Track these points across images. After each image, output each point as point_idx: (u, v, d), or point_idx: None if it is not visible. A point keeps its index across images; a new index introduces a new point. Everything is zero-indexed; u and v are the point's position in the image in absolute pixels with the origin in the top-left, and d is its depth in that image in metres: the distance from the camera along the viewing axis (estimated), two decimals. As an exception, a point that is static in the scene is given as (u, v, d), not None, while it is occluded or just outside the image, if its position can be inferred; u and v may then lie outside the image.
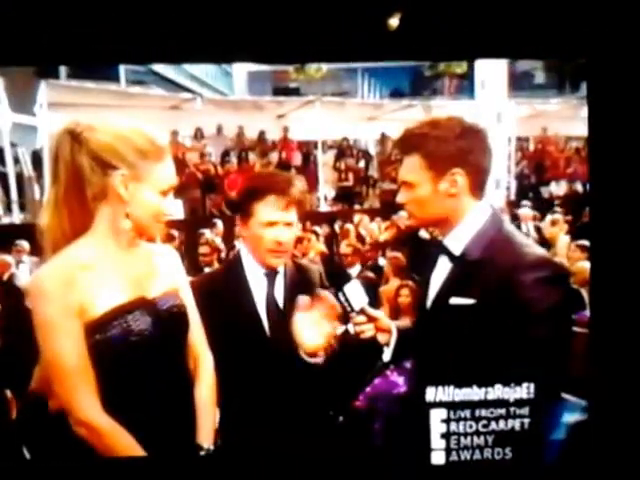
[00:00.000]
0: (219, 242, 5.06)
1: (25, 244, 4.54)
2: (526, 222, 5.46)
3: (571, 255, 3.79)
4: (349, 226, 5.79)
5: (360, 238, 5.27)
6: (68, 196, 1.10)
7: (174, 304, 1.17)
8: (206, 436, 1.19)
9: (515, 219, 5.49)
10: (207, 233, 5.36)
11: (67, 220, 1.11)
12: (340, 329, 1.36)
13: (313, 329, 1.31)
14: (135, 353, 1.09)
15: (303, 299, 1.37)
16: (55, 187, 1.11)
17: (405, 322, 1.41)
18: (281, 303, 1.43)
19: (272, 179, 1.43)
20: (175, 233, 4.71)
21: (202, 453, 1.17)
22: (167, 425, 1.14)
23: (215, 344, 1.27)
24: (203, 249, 4.60)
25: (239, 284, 1.43)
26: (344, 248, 4.45)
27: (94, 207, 1.11)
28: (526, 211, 5.82)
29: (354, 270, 4.18)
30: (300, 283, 1.45)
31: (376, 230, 5.71)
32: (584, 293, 2.95)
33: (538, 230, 5.37)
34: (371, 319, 1.29)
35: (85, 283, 1.07)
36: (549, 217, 5.58)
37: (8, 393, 2.19)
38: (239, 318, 1.39)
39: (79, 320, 1.06)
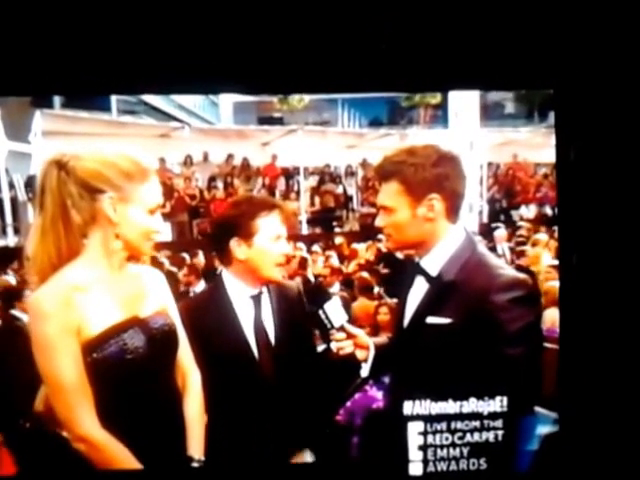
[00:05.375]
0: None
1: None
2: (500, 243, 5.53)
3: (545, 275, 3.81)
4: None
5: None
6: (54, 225, 1.13)
7: (165, 323, 1.21)
8: (196, 448, 1.21)
9: (490, 240, 5.55)
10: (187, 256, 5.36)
11: (53, 248, 1.13)
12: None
13: None
14: (130, 370, 1.12)
15: None
16: (41, 217, 1.14)
17: (382, 339, 1.44)
18: (269, 326, 1.43)
19: (268, 198, 1.53)
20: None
21: (194, 464, 1.19)
22: (161, 438, 1.16)
23: (203, 368, 1.28)
24: (183, 270, 4.63)
25: (224, 310, 1.42)
26: (320, 269, 4.49)
27: (84, 232, 1.14)
28: (501, 232, 5.90)
29: (333, 289, 4.21)
30: (284, 302, 1.47)
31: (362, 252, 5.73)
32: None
33: (513, 250, 5.43)
34: (350, 336, 1.32)
35: (81, 304, 1.10)
36: (535, 237, 5.61)
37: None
38: (227, 344, 1.39)
39: (76, 339, 1.09)
